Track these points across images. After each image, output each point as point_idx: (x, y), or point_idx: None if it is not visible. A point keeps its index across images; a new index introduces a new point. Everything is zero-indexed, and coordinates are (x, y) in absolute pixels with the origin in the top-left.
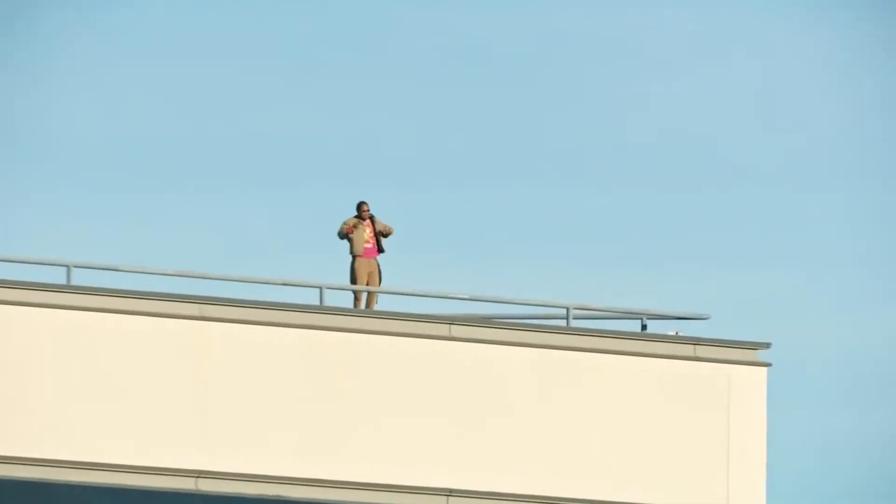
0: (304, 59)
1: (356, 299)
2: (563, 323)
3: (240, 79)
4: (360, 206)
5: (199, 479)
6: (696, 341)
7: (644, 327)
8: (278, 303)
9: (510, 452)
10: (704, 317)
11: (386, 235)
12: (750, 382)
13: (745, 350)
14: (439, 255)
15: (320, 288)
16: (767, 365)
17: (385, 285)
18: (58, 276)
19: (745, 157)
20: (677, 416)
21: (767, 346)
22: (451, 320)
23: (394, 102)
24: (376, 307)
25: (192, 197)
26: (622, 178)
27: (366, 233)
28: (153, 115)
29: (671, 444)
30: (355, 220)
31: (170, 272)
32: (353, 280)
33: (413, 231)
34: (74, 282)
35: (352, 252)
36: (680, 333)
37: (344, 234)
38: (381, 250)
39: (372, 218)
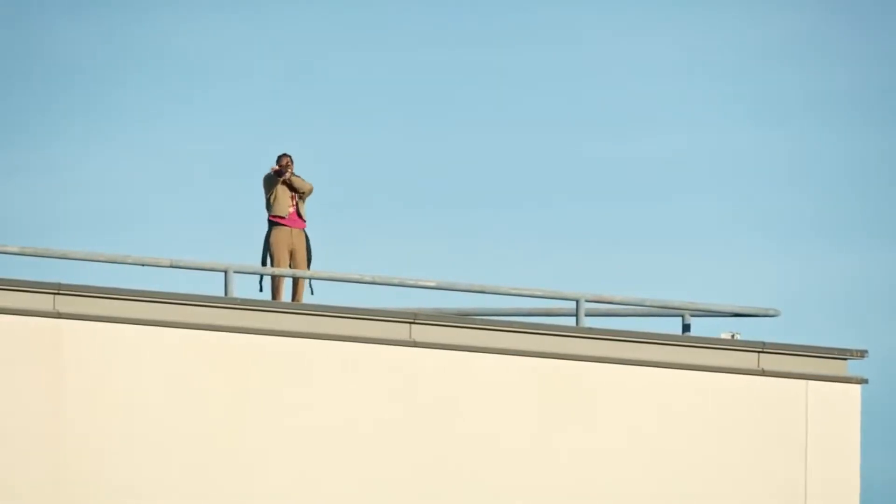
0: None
1: (276, 287)
2: (571, 322)
3: None
4: (279, 159)
5: None
6: (761, 347)
7: (686, 328)
8: (166, 293)
9: None
10: (773, 313)
11: (301, 194)
12: (837, 404)
13: (829, 360)
14: (398, 225)
15: (225, 271)
16: (862, 381)
17: (317, 268)
18: None
19: None
20: (735, 451)
21: (862, 354)
22: (413, 318)
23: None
24: (305, 299)
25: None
26: (650, 125)
27: (286, 195)
28: None
29: (727, 490)
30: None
31: (10, 249)
32: (269, 257)
33: (359, 190)
34: None
35: (269, 215)
36: (738, 337)
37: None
38: (300, 216)
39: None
